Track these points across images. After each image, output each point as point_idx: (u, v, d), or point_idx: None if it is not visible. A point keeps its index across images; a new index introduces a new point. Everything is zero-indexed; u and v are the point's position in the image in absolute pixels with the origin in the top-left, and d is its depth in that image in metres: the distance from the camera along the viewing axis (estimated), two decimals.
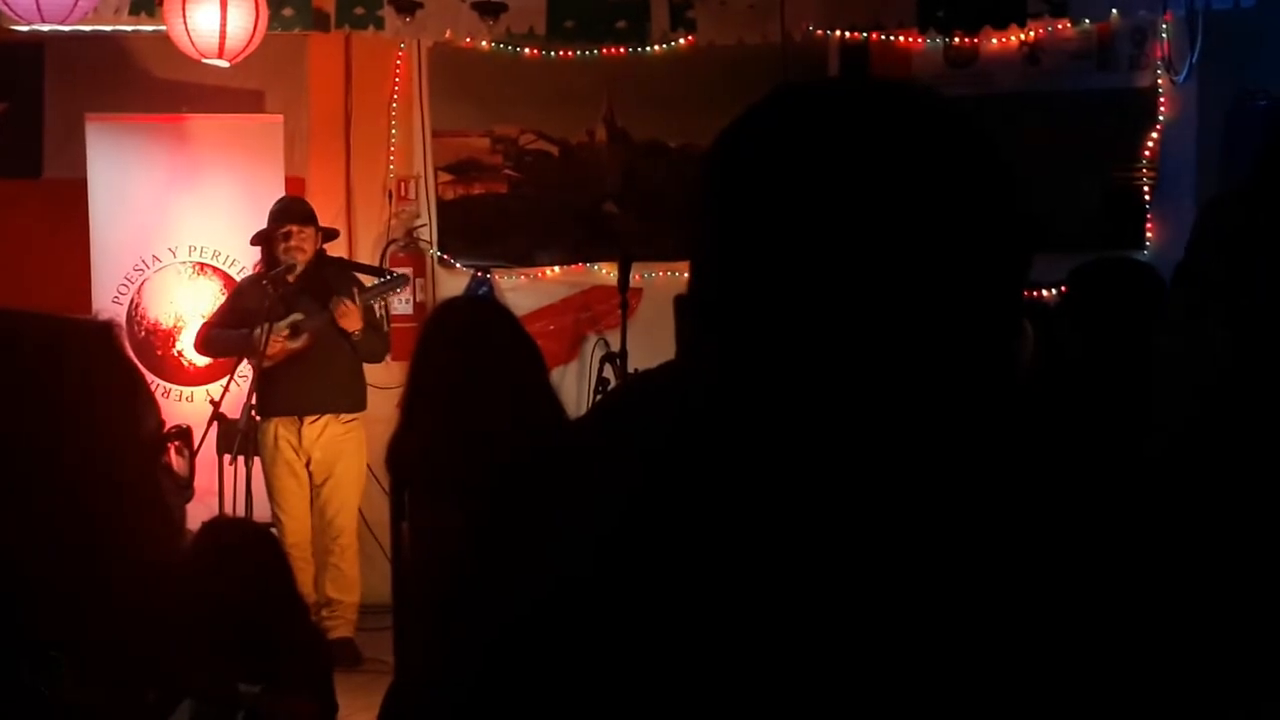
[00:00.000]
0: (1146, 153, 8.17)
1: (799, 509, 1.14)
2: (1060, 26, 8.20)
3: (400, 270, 8.21)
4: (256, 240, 7.45)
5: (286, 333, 7.20)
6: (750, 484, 1.15)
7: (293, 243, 7.24)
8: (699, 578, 1.14)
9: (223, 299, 7.88)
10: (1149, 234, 8.15)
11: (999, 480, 1.17)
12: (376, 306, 7.42)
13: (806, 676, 1.11)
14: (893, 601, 1.12)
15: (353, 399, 7.40)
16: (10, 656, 1.39)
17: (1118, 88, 8.19)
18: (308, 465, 7.37)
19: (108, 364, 1.60)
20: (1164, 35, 8.06)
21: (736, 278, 1.16)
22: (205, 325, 7.62)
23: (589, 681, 1.14)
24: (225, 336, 7.40)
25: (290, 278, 7.21)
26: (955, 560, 1.13)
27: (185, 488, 1.67)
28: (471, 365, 4.19)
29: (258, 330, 7.11)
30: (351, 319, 7.20)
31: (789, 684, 1.11)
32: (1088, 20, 8.19)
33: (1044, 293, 6.62)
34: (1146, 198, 8.18)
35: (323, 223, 7.48)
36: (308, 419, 7.31)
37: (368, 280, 7.49)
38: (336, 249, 7.72)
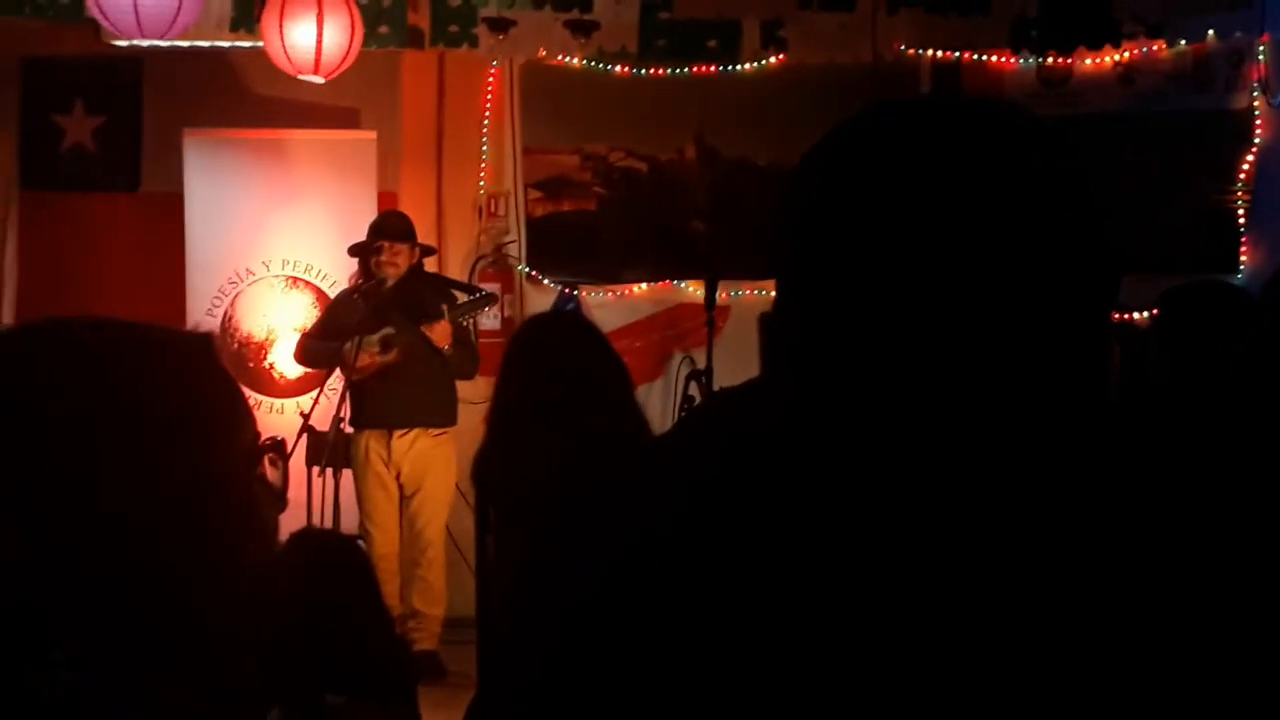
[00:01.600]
0: (1242, 175, 8.08)
1: (866, 534, 1.13)
2: (1155, 48, 8.13)
3: (489, 286, 8.26)
4: (354, 252, 7.53)
5: (377, 347, 7.26)
6: (816, 505, 1.15)
7: (384, 258, 7.31)
8: (757, 600, 1.14)
9: (316, 312, 7.98)
10: (1243, 257, 8.06)
11: (1082, 505, 1.16)
12: (466, 323, 7.46)
13: (869, 698, 1.11)
14: (962, 621, 1.11)
15: (443, 413, 7.44)
16: (11, 657, 1.41)
17: (1213, 109, 8.11)
18: (398, 478, 7.42)
19: (207, 375, 1.63)
20: (1261, 57, 7.97)
21: (819, 296, 1.17)
22: (302, 336, 7.70)
23: (649, 691, 1.15)
24: (319, 348, 7.47)
25: (382, 292, 7.27)
26: (1029, 594, 1.12)
27: (279, 499, 1.69)
28: (558, 382, 4.20)
29: (348, 344, 7.18)
30: (441, 335, 7.25)
31: (850, 702, 1.11)
32: (1183, 41, 8.11)
33: (1135, 315, 6.56)
34: (1241, 221, 8.09)
35: None
36: (398, 432, 7.37)
37: (460, 297, 7.54)
38: (427, 264, 7.79)
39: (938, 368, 1.13)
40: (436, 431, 7.41)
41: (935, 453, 1.14)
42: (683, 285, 8.56)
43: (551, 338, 4.47)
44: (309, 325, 7.87)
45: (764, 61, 8.31)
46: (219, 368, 1.65)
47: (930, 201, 1.14)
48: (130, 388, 1.54)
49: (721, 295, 7.42)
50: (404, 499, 7.47)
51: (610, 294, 8.69)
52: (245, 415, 1.64)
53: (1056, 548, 1.14)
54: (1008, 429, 1.14)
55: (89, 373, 1.54)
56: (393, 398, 7.30)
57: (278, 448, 1.70)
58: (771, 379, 1.24)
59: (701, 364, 7.63)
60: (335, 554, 3.60)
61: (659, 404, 8.34)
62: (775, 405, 1.20)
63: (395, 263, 7.32)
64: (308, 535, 4.01)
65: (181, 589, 1.50)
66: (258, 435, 1.65)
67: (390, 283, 7.30)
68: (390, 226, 7.43)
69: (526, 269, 8.71)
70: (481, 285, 8.30)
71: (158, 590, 1.48)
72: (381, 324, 7.28)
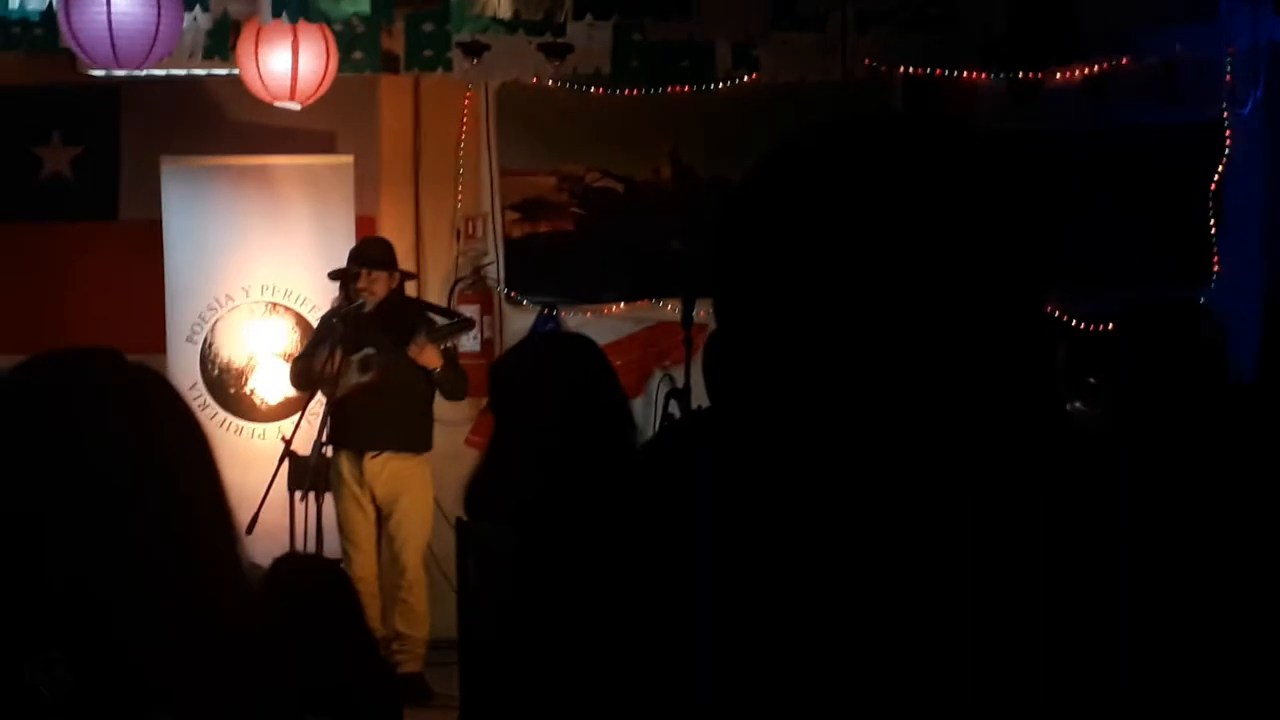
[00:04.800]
0: (1212, 187, 8.14)
1: (787, 521, 1.19)
2: (1124, 61, 8.19)
3: (468, 307, 8.30)
4: (334, 276, 7.57)
5: (356, 367, 7.29)
6: (753, 492, 1.20)
7: (361, 284, 7.36)
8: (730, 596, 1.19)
9: (296, 337, 8.02)
10: (1215, 268, 8.11)
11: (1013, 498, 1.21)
12: (448, 346, 7.49)
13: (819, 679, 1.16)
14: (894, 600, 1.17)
15: (417, 438, 7.47)
16: (12, 657, 1.44)
17: (1183, 122, 8.16)
18: (373, 499, 7.45)
19: (176, 401, 1.69)
20: (1229, 69, 8.04)
21: (752, 313, 1.22)
22: (294, 360, 7.74)
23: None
24: (306, 368, 7.51)
25: (360, 315, 7.31)
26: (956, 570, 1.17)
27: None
28: (563, 400, 4.19)
29: (324, 356, 7.22)
30: (430, 358, 7.29)
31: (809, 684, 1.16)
32: (1152, 55, 8.17)
33: (1098, 327, 6.60)
34: (1213, 232, 8.14)
35: None
36: (369, 453, 7.41)
37: (439, 321, 7.57)
38: (408, 286, 7.83)
39: (868, 378, 1.18)
40: (408, 454, 7.45)
41: (870, 457, 1.19)
42: (661, 304, 8.60)
43: (553, 357, 4.44)
44: (296, 349, 7.91)
45: (737, 80, 8.36)
46: (179, 395, 1.71)
47: (854, 217, 1.19)
48: (112, 422, 1.59)
49: (699, 314, 7.46)
50: (381, 520, 7.50)
51: (589, 313, 8.73)
52: (208, 444, 1.70)
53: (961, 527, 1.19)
54: (923, 424, 1.18)
55: (75, 407, 1.58)
56: (367, 419, 7.33)
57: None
58: (714, 391, 1.30)
59: (681, 382, 7.67)
60: (318, 578, 3.62)
61: (640, 422, 8.37)
62: (722, 416, 1.26)
63: (373, 290, 7.36)
64: (290, 560, 4.03)
65: (160, 613, 1.53)
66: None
67: (369, 307, 7.34)
68: (367, 254, 7.48)
69: (505, 290, 8.75)
70: (461, 307, 8.34)
71: (134, 616, 1.52)
72: (360, 346, 7.32)
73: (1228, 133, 8.10)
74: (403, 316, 7.44)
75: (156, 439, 1.62)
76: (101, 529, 1.54)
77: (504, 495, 4.30)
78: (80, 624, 1.48)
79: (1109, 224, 7.58)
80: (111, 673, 1.48)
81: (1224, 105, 8.09)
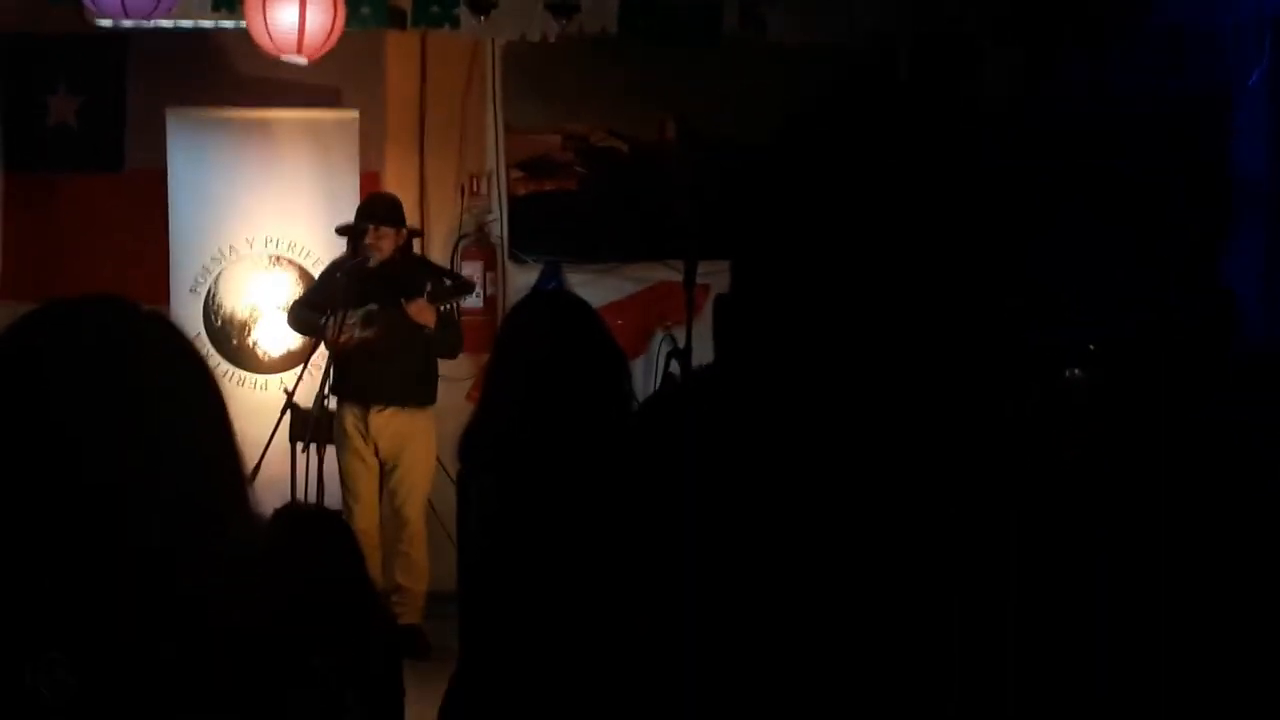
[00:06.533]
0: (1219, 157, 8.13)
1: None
2: (1132, 30, 8.17)
3: (471, 264, 8.33)
4: (341, 232, 7.59)
5: (359, 322, 7.33)
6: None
7: (368, 240, 7.39)
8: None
9: (298, 290, 8.04)
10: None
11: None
12: (447, 307, 7.52)
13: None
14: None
15: (422, 393, 7.52)
16: (12, 657, 1.46)
17: (1187, 93, 8.14)
18: (376, 452, 7.49)
19: (186, 346, 1.72)
20: (1233, 42, 8.02)
21: (753, 285, 1.28)
22: (294, 302, 7.78)
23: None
24: (307, 315, 7.55)
25: (365, 270, 7.34)
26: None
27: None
28: (554, 359, 4.22)
29: (329, 316, 7.26)
30: (420, 312, 7.31)
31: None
32: (1157, 26, 8.15)
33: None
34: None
35: None
36: (375, 407, 7.45)
37: (444, 282, 7.60)
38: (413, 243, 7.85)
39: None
40: (413, 409, 7.49)
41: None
42: (665, 264, 8.61)
43: (548, 316, 4.47)
44: (298, 295, 7.95)
45: (743, 42, 8.34)
46: (192, 346, 1.73)
47: (867, 195, 1.23)
48: (132, 361, 1.62)
49: (703, 274, 7.47)
50: (384, 474, 7.54)
51: (593, 272, 8.74)
52: (215, 382, 1.73)
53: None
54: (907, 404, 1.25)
55: (96, 348, 1.61)
56: (372, 373, 7.37)
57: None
58: (722, 347, 1.35)
59: (682, 342, 7.68)
60: (320, 528, 3.66)
61: (641, 381, 8.39)
62: (725, 372, 1.32)
63: (379, 246, 7.39)
64: (292, 510, 4.06)
65: (172, 555, 1.56)
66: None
67: (373, 262, 7.36)
68: (374, 210, 7.50)
69: (509, 248, 8.76)
70: (464, 264, 8.36)
71: (150, 556, 1.55)
72: (365, 300, 7.35)
73: (1232, 106, 8.09)
74: (407, 274, 7.46)
75: (165, 383, 1.64)
76: (110, 472, 1.56)
77: (485, 443, 4.34)
78: (81, 623, 1.49)
79: (1111, 203, 7.58)
80: (112, 673, 1.49)
81: (1228, 78, 8.07)
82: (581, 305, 4.31)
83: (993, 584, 1.28)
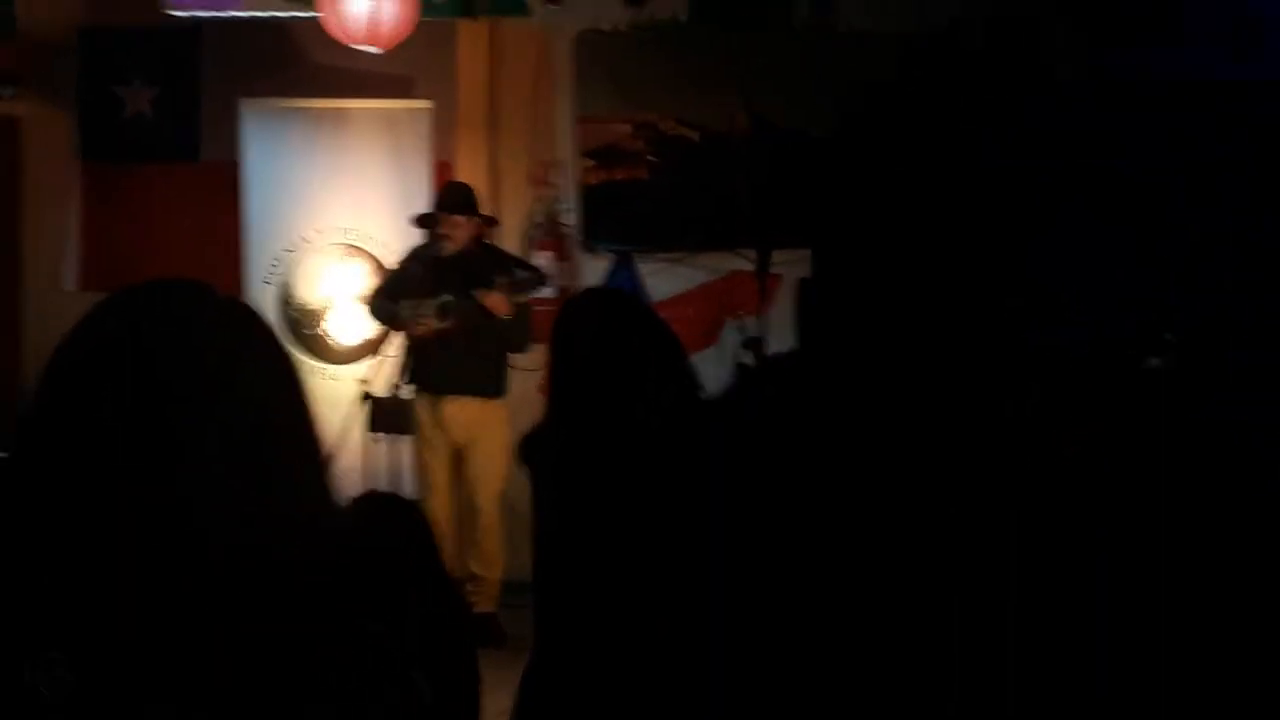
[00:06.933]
0: None
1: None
2: (1210, 18, 8.06)
3: (543, 254, 8.33)
4: (417, 222, 7.61)
5: (434, 312, 7.34)
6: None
7: (443, 229, 7.40)
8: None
9: (372, 280, 8.07)
10: None
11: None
12: (519, 298, 7.51)
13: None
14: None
15: (493, 385, 7.51)
16: (12, 657, 1.45)
17: (1259, 79, 8.03)
18: (450, 443, 7.51)
19: (265, 331, 1.71)
20: None
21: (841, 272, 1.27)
22: (374, 292, 7.80)
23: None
24: (387, 306, 7.57)
25: (440, 260, 7.35)
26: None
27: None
28: (602, 360, 4.20)
29: (404, 307, 7.28)
30: (497, 303, 7.32)
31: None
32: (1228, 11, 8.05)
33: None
34: None
35: None
36: (448, 397, 7.46)
37: (519, 274, 7.59)
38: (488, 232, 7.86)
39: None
40: (485, 399, 7.49)
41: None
42: (737, 253, 8.58)
43: (598, 316, 4.45)
44: (376, 285, 7.97)
45: (816, 29, 8.30)
46: (272, 331, 1.73)
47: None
48: (222, 338, 1.61)
49: (775, 263, 7.44)
50: (458, 464, 7.55)
51: (664, 262, 8.72)
52: (295, 365, 1.73)
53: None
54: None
55: (182, 329, 1.61)
56: (445, 363, 7.38)
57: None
58: (801, 330, 1.36)
59: (755, 332, 7.66)
60: (397, 515, 3.66)
61: (713, 372, 8.36)
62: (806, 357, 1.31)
63: (453, 235, 7.39)
64: (370, 498, 4.06)
65: (257, 529, 1.56)
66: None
67: (447, 252, 7.37)
68: (449, 199, 7.51)
69: (580, 237, 8.75)
70: (536, 253, 8.36)
71: (235, 528, 1.54)
72: (439, 291, 7.36)
73: None
74: (482, 264, 7.47)
75: (245, 368, 1.64)
76: (186, 456, 1.56)
77: (539, 444, 4.34)
78: (80, 622, 1.48)
79: (1111, 203, 7.48)
80: (111, 671, 1.49)
81: None
82: (622, 297, 4.29)
83: (993, 583, 1.26)
